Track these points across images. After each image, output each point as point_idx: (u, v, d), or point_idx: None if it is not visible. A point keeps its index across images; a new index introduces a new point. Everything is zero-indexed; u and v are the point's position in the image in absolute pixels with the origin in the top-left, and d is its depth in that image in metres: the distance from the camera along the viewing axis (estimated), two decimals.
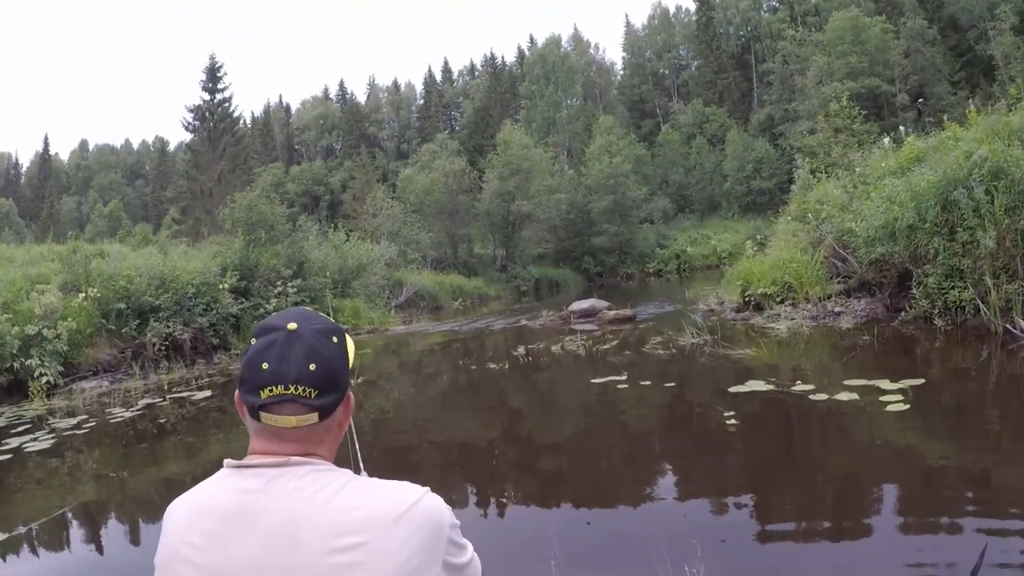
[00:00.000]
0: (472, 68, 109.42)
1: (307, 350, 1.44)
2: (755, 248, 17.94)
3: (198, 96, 54.30)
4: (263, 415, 1.44)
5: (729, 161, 61.30)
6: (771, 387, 7.00)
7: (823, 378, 7.29)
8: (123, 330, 15.60)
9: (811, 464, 5.37)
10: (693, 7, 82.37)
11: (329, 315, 21.96)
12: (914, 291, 9.92)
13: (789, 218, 15.82)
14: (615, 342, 12.47)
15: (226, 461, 1.49)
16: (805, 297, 12.58)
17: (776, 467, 5.34)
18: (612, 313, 16.52)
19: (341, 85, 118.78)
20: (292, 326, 1.47)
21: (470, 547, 1.61)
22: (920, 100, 49.40)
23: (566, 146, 68.55)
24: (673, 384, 8.19)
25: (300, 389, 1.41)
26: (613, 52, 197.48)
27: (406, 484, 1.50)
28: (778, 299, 13.02)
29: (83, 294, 15.18)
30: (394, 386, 11.25)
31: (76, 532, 5.52)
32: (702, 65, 79.83)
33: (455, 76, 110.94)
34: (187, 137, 54.36)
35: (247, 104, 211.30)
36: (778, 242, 15.72)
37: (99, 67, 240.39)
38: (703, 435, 6.24)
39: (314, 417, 1.45)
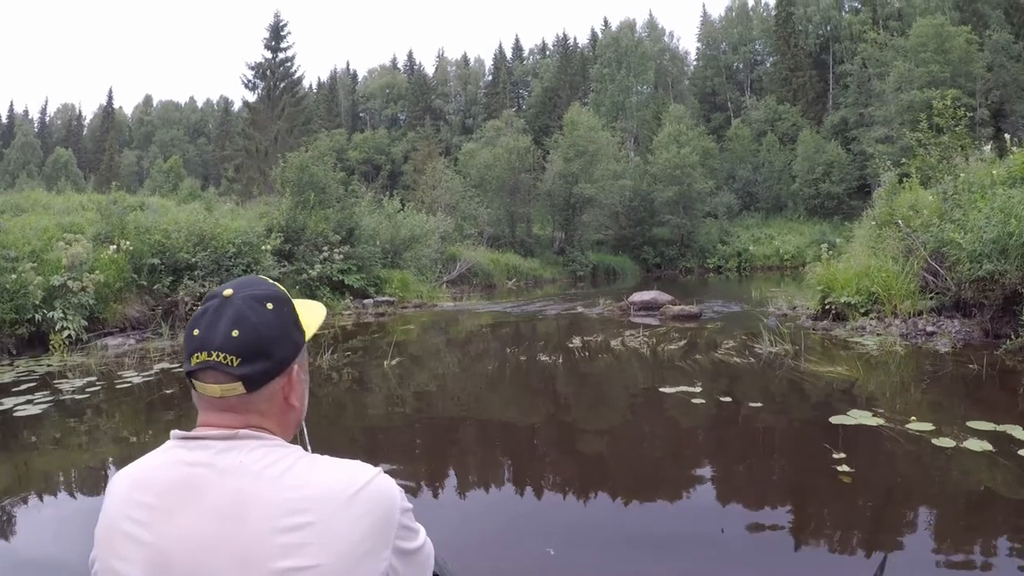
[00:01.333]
0: (543, 47, 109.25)
1: (234, 316, 1.39)
2: (829, 252, 17.00)
3: (260, 54, 53.72)
4: (194, 382, 1.41)
5: (799, 162, 59.63)
6: (880, 421, 5.82)
7: (939, 415, 6.10)
8: (155, 287, 15.00)
9: (960, 541, 3.86)
10: (773, 2, 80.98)
11: (378, 285, 21.95)
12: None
13: (873, 223, 14.72)
14: (682, 342, 11.38)
15: (173, 432, 1.44)
16: (893, 311, 11.52)
17: (919, 546, 3.80)
18: (676, 308, 15.47)
19: (410, 56, 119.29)
20: (227, 292, 1.43)
21: (422, 532, 1.55)
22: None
23: (633, 133, 67.38)
24: (759, 405, 6.89)
25: (221, 356, 1.36)
26: (687, 42, 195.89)
27: (357, 463, 1.45)
28: (862, 310, 11.98)
29: (115, 246, 14.48)
30: (429, 375, 10.09)
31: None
32: (778, 62, 78.11)
33: (525, 54, 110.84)
34: (248, 96, 53.96)
35: (314, 69, 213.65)
36: (858, 248, 14.64)
37: (167, 21, 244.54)
38: (810, 486, 4.80)
39: (238, 387, 1.39)
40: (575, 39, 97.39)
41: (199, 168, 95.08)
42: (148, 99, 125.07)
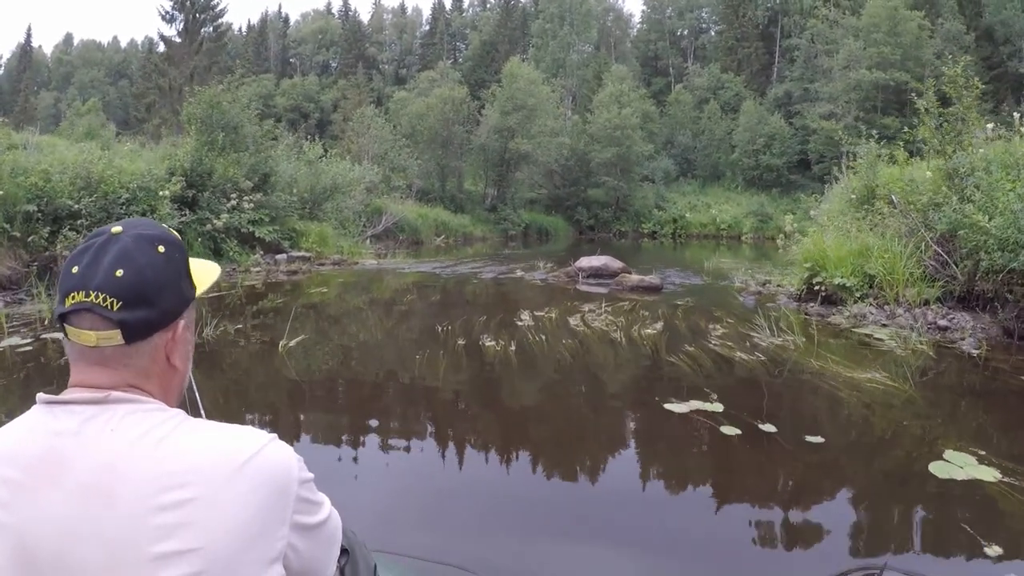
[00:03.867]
0: (484, 0, 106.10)
1: (120, 254, 1.23)
2: (794, 226, 15.79)
3: None
4: (67, 328, 1.23)
5: (740, 132, 58.50)
6: (996, 474, 4.00)
7: None
8: (30, 238, 12.60)
9: None
10: None
11: (293, 238, 19.78)
12: None
13: (852, 196, 13.29)
14: (658, 324, 9.45)
15: (39, 395, 1.25)
16: (896, 299, 10.00)
17: None
18: (634, 278, 13.71)
19: (345, 2, 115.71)
20: (116, 229, 1.28)
21: (326, 503, 1.42)
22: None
23: (572, 91, 65.70)
24: (819, 440, 4.96)
25: (100, 297, 1.20)
26: (632, 5, 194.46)
27: (248, 429, 1.29)
28: (857, 294, 10.45)
29: None
30: (333, 371, 7.44)
31: None
32: (724, 31, 76.86)
33: (465, 6, 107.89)
34: (166, 30, 50.33)
35: (243, 12, 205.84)
36: (833, 224, 13.25)
37: None
38: None
39: (116, 335, 1.22)
40: None
41: (120, 112, 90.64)
42: (69, 38, 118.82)
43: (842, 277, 10.51)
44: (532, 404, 6.49)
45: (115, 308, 1.20)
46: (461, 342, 8.39)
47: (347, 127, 43.51)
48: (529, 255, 24.11)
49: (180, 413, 1.28)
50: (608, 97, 52.01)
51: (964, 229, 9.28)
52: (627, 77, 59.63)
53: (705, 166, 62.22)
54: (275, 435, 1.30)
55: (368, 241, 24.71)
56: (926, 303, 9.74)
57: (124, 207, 13.94)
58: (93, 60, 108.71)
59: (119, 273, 1.21)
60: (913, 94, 13.48)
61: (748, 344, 8.09)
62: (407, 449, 4.96)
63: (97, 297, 1.19)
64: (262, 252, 18.05)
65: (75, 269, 1.23)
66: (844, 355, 7.58)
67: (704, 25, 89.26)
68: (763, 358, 7.44)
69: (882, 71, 49.87)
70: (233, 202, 17.10)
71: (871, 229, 11.50)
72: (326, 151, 26.71)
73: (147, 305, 1.24)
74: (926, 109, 11.70)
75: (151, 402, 1.26)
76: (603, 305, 10.90)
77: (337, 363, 7.80)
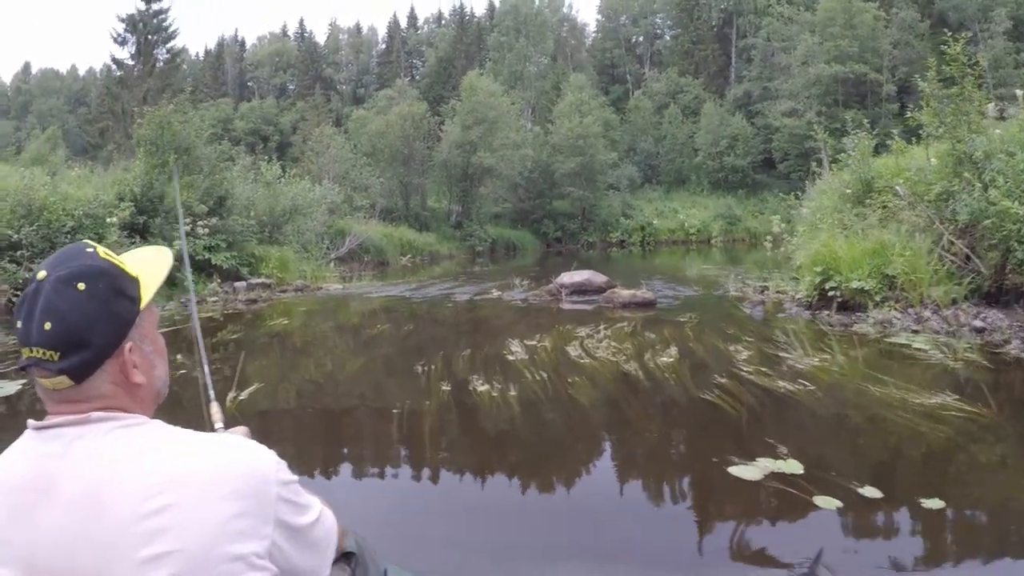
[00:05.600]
0: (439, 17, 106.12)
1: (44, 306, 1.26)
2: (783, 227, 15.09)
3: (132, 5, 48.43)
4: (31, 376, 1.32)
5: (702, 135, 58.45)
6: None
7: None
8: None
9: None
10: None
11: (252, 264, 18.62)
12: None
13: (848, 191, 12.51)
14: (671, 348, 8.14)
15: (29, 422, 1.34)
16: (920, 300, 9.19)
17: None
18: (627, 294, 12.62)
19: (301, 23, 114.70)
20: (41, 275, 1.30)
21: (316, 505, 1.45)
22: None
23: (531, 103, 65.01)
24: (941, 505, 3.81)
25: (40, 352, 1.26)
26: (586, 14, 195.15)
27: (227, 437, 1.43)
28: (877, 298, 9.58)
29: None
30: (287, 439, 5.62)
31: None
32: (680, 35, 77.21)
33: (420, 23, 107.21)
34: (119, 52, 48.90)
35: (200, 38, 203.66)
36: (828, 222, 12.45)
37: None
38: None
39: (64, 380, 1.28)
40: (472, 9, 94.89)
41: (79, 140, 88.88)
42: (27, 66, 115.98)
43: (859, 280, 9.61)
44: (563, 487, 4.63)
45: (56, 359, 1.24)
46: (447, 387, 6.83)
47: (306, 148, 42.35)
48: (500, 272, 23.23)
49: (158, 425, 1.34)
50: (569, 107, 51.51)
51: (990, 218, 8.53)
52: (586, 86, 59.23)
53: (669, 171, 61.88)
54: (255, 441, 1.38)
55: (332, 264, 23.58)
56: (953, 302, 8.96)
57: (69, 236, 12.90)
58: (51, 89, 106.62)
59: (47, 327, 1.24)
60: (880, 84, 12.73)
61: (784, 368, 7.06)
62: None
63: (37, 352, 1.25)
64: (219, 280, 16.88)
65: (19, 324, 1.28)
66: (895, 374, 6.64)
67: (659, 31, 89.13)
68: (809, 386, 6.37)
69: (841, 64, 50.14)
70: (187, 227, 15.97)
71: (882, 225, 10.65)
72: (284, 171, 25.62)
73: (82, 348, 1.26)
74: (930, 93, 10.93)
75: (129, 417, 1.32)
76: (600, 328, 9.81)
77: (296, 428, 6.08)
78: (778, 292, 12.38)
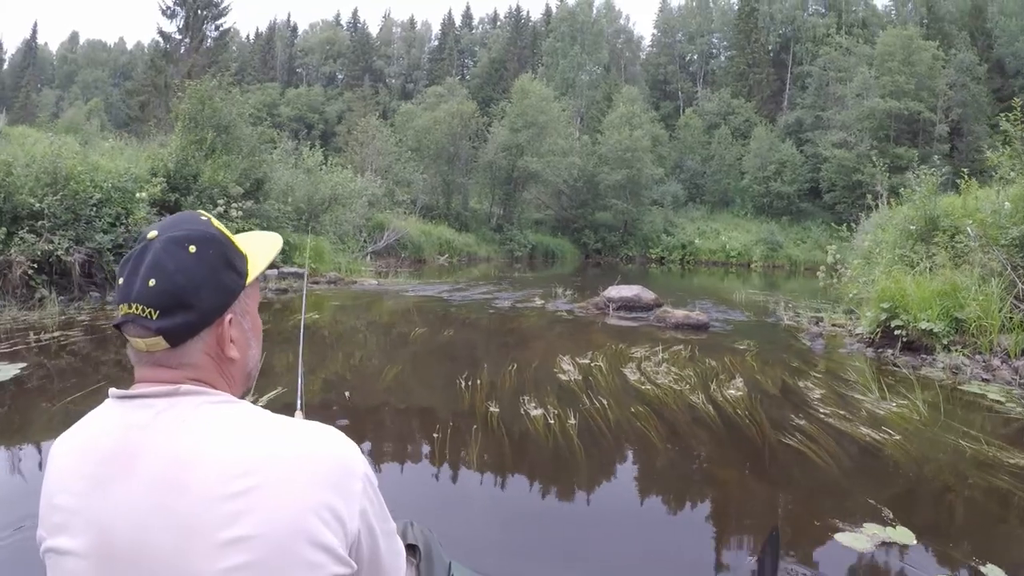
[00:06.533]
0: (495, 18, 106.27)
1: (151, 263, 1.25)
2: (836, 257, 14.54)
3: None
4: (126, 335, 1.28)
5: (750, 158, 57.80)
6: None
7: None
8: None
9: None
10: None
11: (286, 252, 17.93)
12: None
13: (912, 227, 11.93)
14: (736, 379, 7.48)
15: (111, 391, 1.31)
16: (990, 347, 8.60)
17: None
18: (679, 315, 12.05)
19: (354, 13, 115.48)
20: (151, 234, 1.29)
21: (394, 523, 1.43)
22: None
23: (581, 112, 64.63)
24: None
25: (139, 308, 1.24)
26: (642, 28, 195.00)
27: (314, 424, 1.31)
28: (944, 341, 9.01)
29: None
30: None
31: None
32: (736, 56, 76.35)
33: (475, 23, 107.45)
34: (166, 25, 48.49)
35: (252, 20, 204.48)
36: (886, 258, 12.04)
37: None
38: None
39: (160, 341, 1.25)
40: (528, 12, 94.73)
41: (122, 114, 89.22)
42: (75, 36, 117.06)
43: (928, 321, 9.07)
44: (645, 550, 3.87)
45: (154, 317, 1.23)
46: (494, 408, 6.08)
47: (350, 138, 42.13)
48: (540, 279, 22.58)
49: (247, 404, 1.30)
50: (619, 118, 51.12)
51: None
52: (638, 99, 58.81)
53: (714, 192, 61.39)
54: (340, 431, 1.31)
55: (368, 258, 23.29)
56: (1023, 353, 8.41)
57: (95, 209, 12.40)
58: (98, 60, 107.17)
59: (152, 283, 1.23)
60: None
61: (863, 413, 6.44)
62: None
63: (137, 308, 1.23)
64: None
65: (120, 280, 1.27)
66: (978, 428, 6.07)
67: (714, 50, 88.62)
68: (894, 435, 5.77)
69: (896, 100, 49.61)
70: (220, 208, 15.45)
71: (955, 265, 10.08)
72: (326, 159, 25.25)
73: (184, 309, 1.25)
74: (1015, 134, 10.41)
75: (219, 394, 1.29)
76: (657, 350, 9.15)
77: None
78: (834, 325, 11.95)
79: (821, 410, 6.41)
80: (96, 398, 5.18)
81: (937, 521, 4.33)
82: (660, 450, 5.28)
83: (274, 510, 1.14)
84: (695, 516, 4.30)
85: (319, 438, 1.26)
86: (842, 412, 6.37)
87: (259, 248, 1.46)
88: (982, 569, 3.52)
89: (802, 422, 5.98)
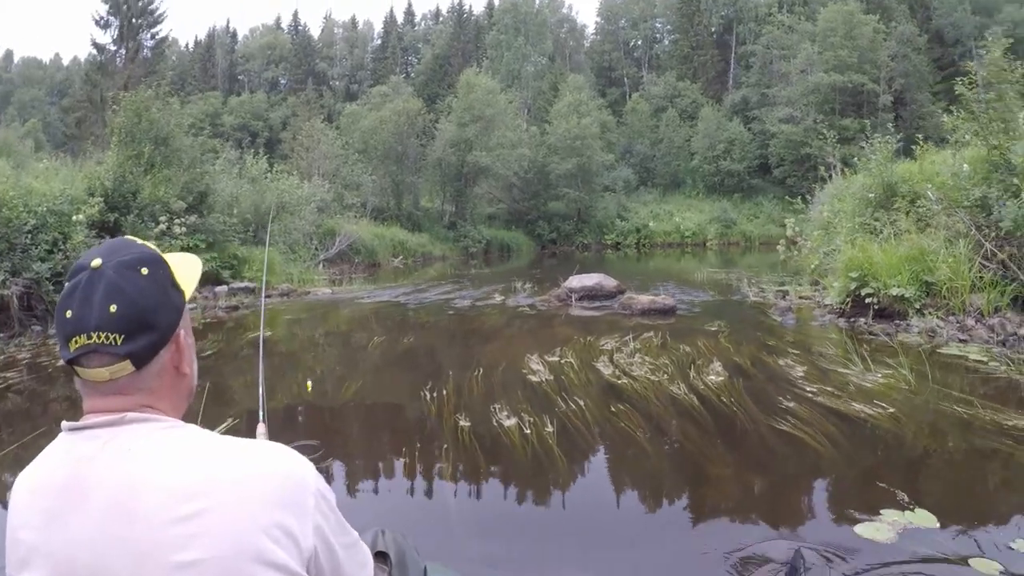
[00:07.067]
0: (437, 13, 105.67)
1: (108, 289, 1.25)
2: (796, 230, 14.60)
3: None
4: (77, 369, 1.27)
5: (699, 138, 58.54)
6: None
7: None
8: None
9: None
10: None
11: (235, 267, 17.37)
12: None
13: (870, 195, 11.91)
14: (714, 364, 7.19)
15: (63, 424, 1.32)
16: (962, 308, 8.69)
17: None
18: (645, 300, 11.78)
19: (295, 15, 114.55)
20: (96, 263, 1.28)
21: (353, 531, 1.41)
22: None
23: (528, 103, 64.43)
24: None
25: (103, 336, 1.23)
26: (585, 16, 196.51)
27: (264, 443, 1.34)
28: (916, 305, 9.10)
29: None
30: None
31: None
32: (680, 39, 77.00)
33: (418, 19, 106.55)
34: (100, 36, 47.56)
35: (190, 28, 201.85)
36: (846, 227, 12.07)
37: None
38: None
39: (127, 366, 1.26)
40: (470, 6, 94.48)
41: (61, 133, 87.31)
42: (8, 55, 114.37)
43: (899, 287, 9.04)
44: (641, 556, 3.56)
45: (120, 343, 1.22)
46: (464, 423, 5.59)
47: (296, 144, 41.38)
48: (497, 274, 22.48)
49: (193, 428, 1.30)
50: (566, 107, 51.20)
51: None
52: (584, 87, 59.08)
53: (665, 174, 61.88)
54: (293, 450, 1.31)
55: (321, 266, 22.75)
56: (996, 311, 8.54)
57: (30, 236, 11.75)
58: (34, 78, 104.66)
59: (113, 309, 1.22)
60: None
61: (851, 387, 6.24)
62: None
63: (100, 336, 1.21)
64: (198, 284, 15.71)
65: (69, 313, 1.24)
66: (969, 391, 5.97)
67: (658, 35, 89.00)
68: (888, 408, 5.53)
69: (839, 73, 50.60)
70: (162, 226, 14.90)
71: (920, 230, 10.09)
72: (271, 166, 24.64)
73: (148, 330, 1.26)
74: (971, 97, 10.45)
75: (165, 419, 1.29)
76: (627, 339, 8.86)
77: None
78: (802, 298, 12.09)
79: (807, 389, 6.24)
80: (49, 439, 5.00)
81: (955, 498, 4.12)
82: (648, 451, 4.95)
83: (224, 532, 1.14)
84: (695, 522, 3.94)
85: (268, 457, 1.26)
86: (829, 389, 6.20)
87: (180, 263, 1.44)
88: (1012, 546, 3.32)
89: (791, 404, 5.75)
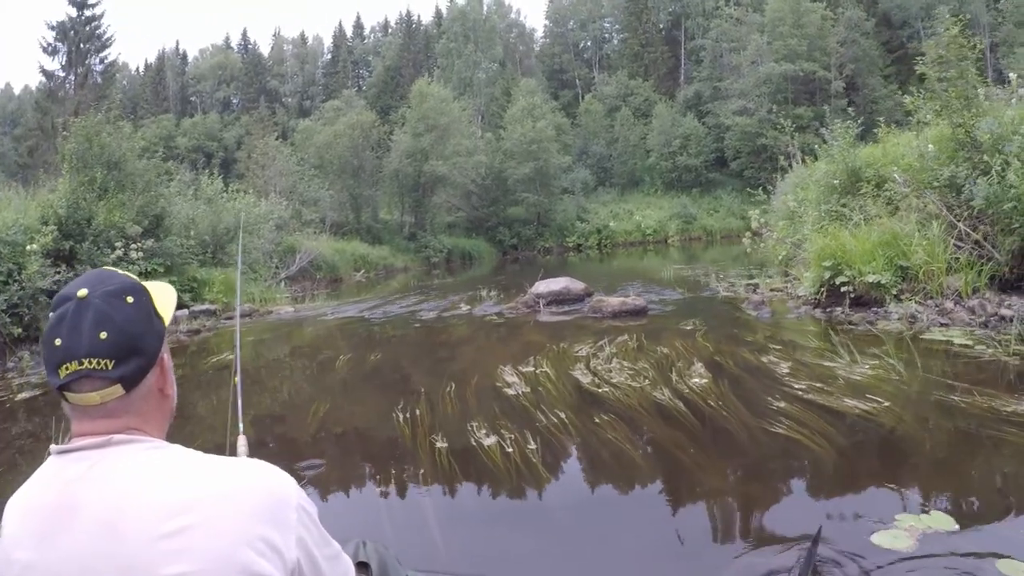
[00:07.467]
0: (386, 25, 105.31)
1: (96, 317, 1.30)
2: (761, 222, 14.52)
3: (63, 12, 46.09)
4: (67, 395, 1.32)
5: (654, 136, 58.86)
6: None
7: None
8: None
9: None
10: None
11: (195, 289, 17.16)
12: None
13: (835, 181, 11.78)
14: (698, 367, 6.82)
15: (52, 447, 1.36)
16: (940, 291, 8.56)
17: None
18: (616, 302, 11.48)
19: (244, 35, 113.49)
20: (82, 293, 1.32)
21: (336, 544, 1.44)
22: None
23: (481, 110, 64.26)
24: None
25: (94, 362, 1.28)
26: (534, 20, 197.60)
27: (246, 460, 1.37)
28: (893, 291, 8.93)
29: None
30: None
31: None
32: (629, 38, 77.34)
33: (367, 32, 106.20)
34: (48, 63, 46.93)
35: (140, 52, 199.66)
36: (812, 215, 12.02)
37: None
38: None
39: (118, 390, 1.32)
40: (419, 17, 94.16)
41: (15, 164, 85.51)
42: None
43: (875, 274, 8.90)
44: None
45: (111, 368, 1.28)
46: (441, 444, 5.20)
47: (251, 162, 40.81)
48: (461, 283, 22.06)
49: (177, 448, 1.35)
50: (520, 112, 51.19)
51: (1010, 203, 8.02)
52: (537, 91, 59.11)
53: (622, 173, 62.13)
54: (275, 465, 1.35)
55: (282, 284, 22.22)
56: (974, 292, 8.46)
57: None
58: None
59: (103, 335, 1.27)
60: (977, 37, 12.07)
61: (840, 382, 5.96)
62: None
63: (91, 362, 1.26)
64: None
65: (58, 342, 1.28)
66: (961, 378, 5.77)
67: (607, 35, 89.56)
68: (883, 401, 5.27)
69: (790, 63, 51.15)
70: (119, 252, 14.43)
71: (890, 214, 9.97)
72: (227, 186, 24.20)
73: (136, 355, 1.31)
74: (923, 78, 10.46)
75: (150, 440, 1.33)
76: (602, 344, 8.54)
77: None
78: (773, 290, 11.88)
79: (796, 386, 5.94)
80: (9, 477, 4.60)
81: (967, 496, 3.87)
82: (640, 465, 4.61)
83: (209, 546, 1.16)
84: (699, 543, 3.60)
85: (251, 473, 1.30)
86: (818, 385, 5.93)
87: (158, 291, 1.47)
88: None
89: (782, 404, 5.44)
